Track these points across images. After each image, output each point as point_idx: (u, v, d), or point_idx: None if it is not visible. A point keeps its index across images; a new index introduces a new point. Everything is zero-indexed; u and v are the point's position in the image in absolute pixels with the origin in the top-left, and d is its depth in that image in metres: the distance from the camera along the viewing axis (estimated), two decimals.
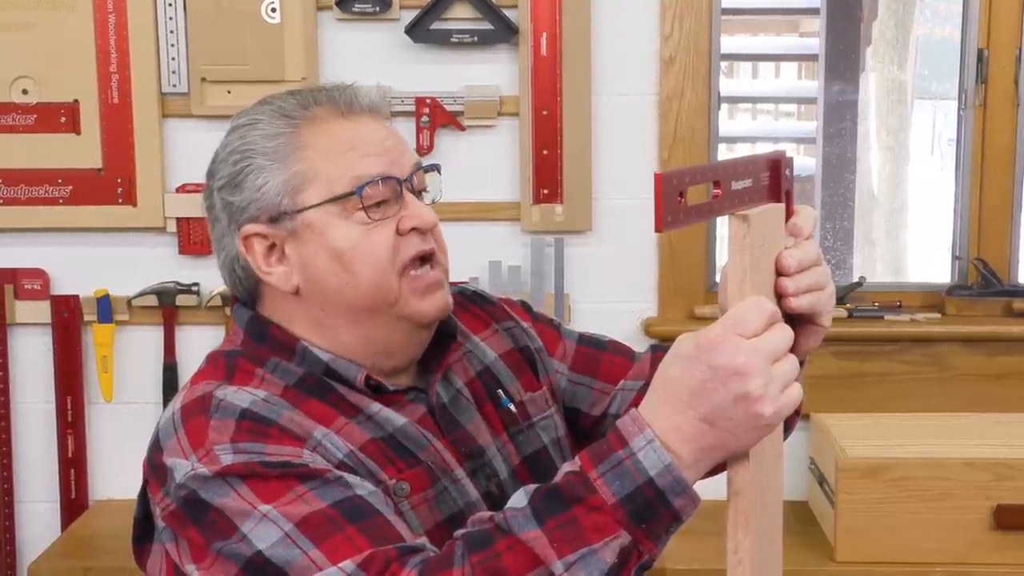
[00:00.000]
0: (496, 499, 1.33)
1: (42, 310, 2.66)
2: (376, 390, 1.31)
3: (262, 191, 1.29)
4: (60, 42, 2.57)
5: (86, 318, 2.67)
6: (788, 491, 2.67)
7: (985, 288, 2.67)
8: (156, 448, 1.25)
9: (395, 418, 1.30)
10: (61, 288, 2.67)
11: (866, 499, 2.30)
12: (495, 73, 2.61)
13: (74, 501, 2.69)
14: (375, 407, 1.30)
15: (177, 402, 1.28)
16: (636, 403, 1.11)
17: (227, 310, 2.63)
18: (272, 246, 1.31)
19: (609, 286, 2.68)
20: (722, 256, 2.87)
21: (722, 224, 2.64)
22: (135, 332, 2.68)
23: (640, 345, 2.63)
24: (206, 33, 2.57)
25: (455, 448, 1.34)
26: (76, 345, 2.67)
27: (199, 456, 1.19)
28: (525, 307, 1.57)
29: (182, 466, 1.20)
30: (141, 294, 2.65)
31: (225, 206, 1.32)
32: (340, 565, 1.11)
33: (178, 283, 2.65)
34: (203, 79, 2.59)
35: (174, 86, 2.60)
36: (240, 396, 1.24)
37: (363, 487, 1.19)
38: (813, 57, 4.65)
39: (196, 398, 1.26)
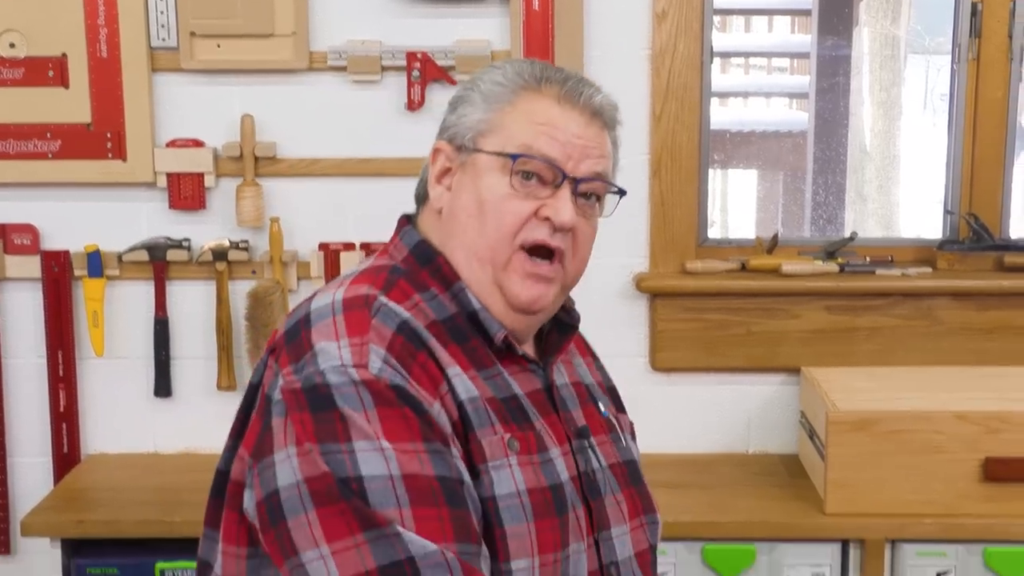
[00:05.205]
0: (588, 482, 1.40)
1: (32, 265, 2.66)
2: (509, 348, 1.39)
3: (462, 120, 1.41)
4: None
5: (77, 273, 2.66)
6: (779, 444, 2.71)
7: (976, 243, 2.67)
8: (304, 324, 1.29)
9: (516, 384, 1.38)
10: (51, 243, 2.67)
11: (856, 452, 2.31)
12: (486, 27, 2.59)
13: (66, 455, 2.69)
14: (499, 368, 1.37)
15: (337, 293, 1.32)
16: None
17: (218, 265, 2.62)
18: (448, 168, 1.42)
19: (600, 241, 2.63)
20: (713, 210, 2.86)
21: (713, 178, 2.64)
22: (126, 287, 2.68)
23: (632, 300, 2.65)
24: None
25: (566, 425, 1.41)
26: (67, 300, 2.66)
27: (352, 344, 1.24)
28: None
29: (330, 353, 1.24)
30: (132, 249, 2.64)
31: (444, 118, 1.45)
32: (422, 541, 1.17)
33: (169, 238, 2.64)
34: (192, 33, 2.56)
35: (163, 40, 2.58)
36: (399, 309, 1.31)
37: (463, 475, 1.24)
38: (806, 11, 4.62)
39: (360, 295, 1.31)
